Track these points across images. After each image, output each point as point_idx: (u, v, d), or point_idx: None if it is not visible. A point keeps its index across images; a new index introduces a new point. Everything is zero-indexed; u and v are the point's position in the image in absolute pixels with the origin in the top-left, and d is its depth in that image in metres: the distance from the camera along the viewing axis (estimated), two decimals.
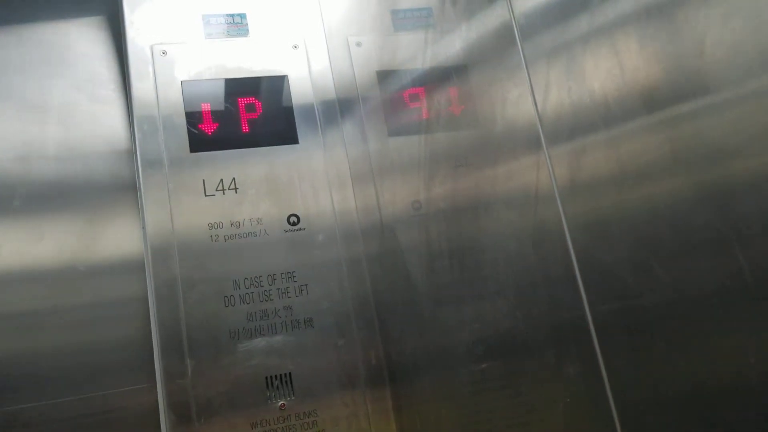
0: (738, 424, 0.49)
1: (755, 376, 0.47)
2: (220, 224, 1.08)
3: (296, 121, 1.17)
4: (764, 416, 0.46)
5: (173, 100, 1.12)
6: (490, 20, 0.79)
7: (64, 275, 1.05)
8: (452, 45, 0.90)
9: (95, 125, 1.14)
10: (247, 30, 1.20)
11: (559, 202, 0.68)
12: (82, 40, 1.18)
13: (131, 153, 1.14)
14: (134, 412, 1.02)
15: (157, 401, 1.01)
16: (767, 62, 0.43)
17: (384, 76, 1.12)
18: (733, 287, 0.47)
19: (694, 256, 0.51)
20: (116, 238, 1.09)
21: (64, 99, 1.13)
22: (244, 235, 1.08)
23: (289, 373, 1.04)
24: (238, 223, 1.08)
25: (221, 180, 1.10)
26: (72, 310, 1.04)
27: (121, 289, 1.07)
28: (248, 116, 1.14)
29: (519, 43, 0.73)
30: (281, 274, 1.08)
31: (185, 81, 1.14)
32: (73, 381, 1.01)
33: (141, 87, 1.12)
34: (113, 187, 1.12)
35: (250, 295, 1.06)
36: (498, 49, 0.78)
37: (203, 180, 1.09)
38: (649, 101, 0.54)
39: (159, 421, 0.99)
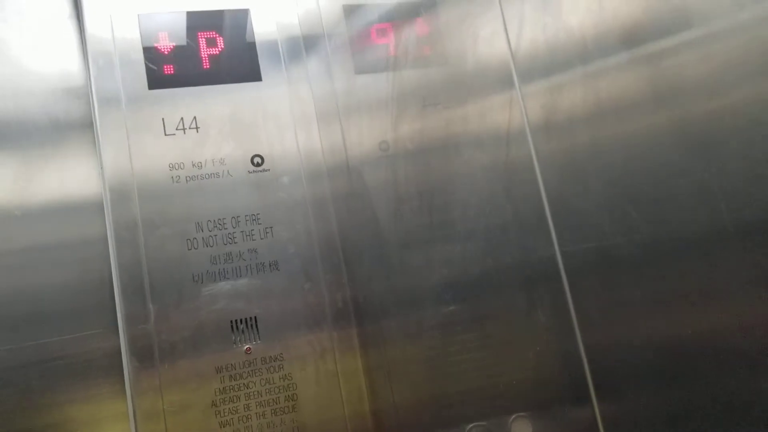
0: (711, 371, 0.49)
1: (731, 322, 0.46)
2: (182, 165, 1.04)
3: (259, 56, 1.12)
4: (738, 364, 0.46)
5: (130, 34, 1.07)
6: None
7: None
8: None
9: (26, 62, 1.07)
10: None
11: (531, 142, 0.66)
12: None
13: (68, 91, 1.08)
14: (88, 357, 1.00)
15: (113, 346, 0.99)
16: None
17: (351, 9, 1.07)
18: (711, 231, 0.46)
19: (672, 199, 0.50)
20: (54, 180, 1.04)
21: None
22: (207, 175, 1.05)
23: (255, 317, 1.02)
24: (200, 164, 1.05)
25: (182, 118, 1.06)
26: (6, 255, 1.00)
27: (61, 233, 1.03)
28: (209, 52, 1.10)
29: None
30: (245, 216, 1.06)
31: (142, 14, 1.08)
32: (15, 328, 0.97)
33: (95, 20, 1.06)
34: (49, 127, 1.06)
35: (214, 237, 1.03)
36: None
37: (163, 118, 1.05)
38: (628, 35, 0.52)
39: (116, 366, 0.98)
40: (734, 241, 0.45)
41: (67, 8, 1.11)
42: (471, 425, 0.85)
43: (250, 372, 1.01)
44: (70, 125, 1.07)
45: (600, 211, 0.58)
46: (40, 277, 1.00)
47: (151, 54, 1.07)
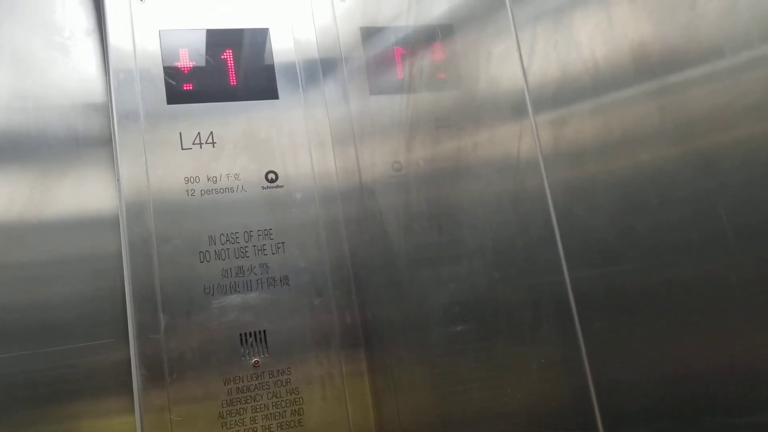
0: (718, 390, 0.49)
1: (738, 341, 0.47)
2: (197, 178, 1.06)
3: (277, 75, 1.14)
4: (745, 384, 0.46)
5: (151, 49, 1.09)
6: None
7: (14, 229, 1.02)
8: (439, 2, 0.88)
9: (50, 75, 1.10)
10: None
11: (541, 162, 0.67)
12: None
13: (88, 106, 1.10)
14: (98, 366, 1.01)
15: (123, 356, 1.00)
16: (765, 30, 0.42)
17: (368, 33, 1.09)
18: (726, 264, 0.46)
19: (679, 221, 0.50)
20: (71, 191, 1.06)
21: (17, 46, 1.09)
22: (221, 190, 1.06)
23: (264, 331, 1.03)
24: (215, 178, 1.07)
25: (198, 133, 1.08)
26: (23, 266, 1.01)
27: (78, 245, 1.04)
28: (228, 69, 1.12)
29: (508, 3, 0.72)
30: (258, 231, 1.07)
31: (164, 30, 1.11)
32: (27, 336, 0.99)
33: (117, 35, 1.09)
34: (68, 139, 1.08)
35: (226, 251, 1.04)
36: (485, 8, 0.76)
37: (180, 133, 1.07)
38: (640, 66, 0.53)
39: (125, 375, 0.99)
40: (740, 259, 0.45)
41: (91, 23, 1.14)
42: None
43: (258, 385, 1.01)
44: (89, 138, 1.09)
45: (609, 231, 0.58)
46: (54, 287, 1.02)
47: (170, 70, 1.09)
